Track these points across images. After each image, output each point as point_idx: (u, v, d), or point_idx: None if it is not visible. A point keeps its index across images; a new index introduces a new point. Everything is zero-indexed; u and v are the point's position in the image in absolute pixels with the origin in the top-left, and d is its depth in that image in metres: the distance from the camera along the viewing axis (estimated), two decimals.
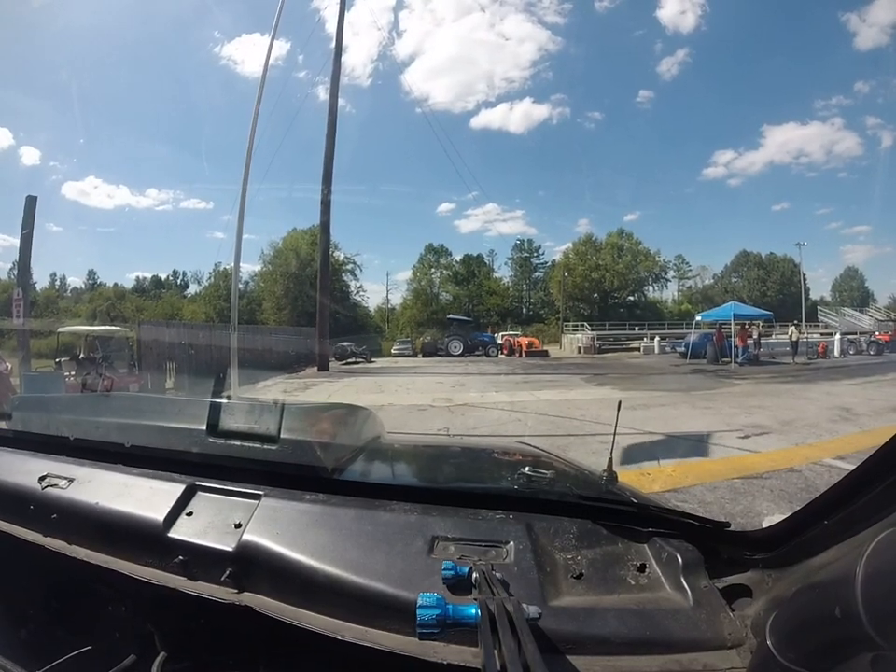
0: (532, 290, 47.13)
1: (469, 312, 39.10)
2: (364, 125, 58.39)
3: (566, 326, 34.04)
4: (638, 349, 25.40)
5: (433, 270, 45.60)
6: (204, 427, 0.96)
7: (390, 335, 38.24)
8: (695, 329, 19.50)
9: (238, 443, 0.95)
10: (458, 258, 45.64)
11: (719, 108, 58.57)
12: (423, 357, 25.63)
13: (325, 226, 17.67)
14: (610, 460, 1.00)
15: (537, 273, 46.81)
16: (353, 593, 0.66)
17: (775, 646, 0.50)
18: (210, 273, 42.52)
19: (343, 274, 42.16)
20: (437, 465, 1.37)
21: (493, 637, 0.47)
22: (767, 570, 0.68)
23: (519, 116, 57.15)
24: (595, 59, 57.53)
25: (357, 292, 43.89)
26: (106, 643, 0.86)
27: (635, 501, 0.85)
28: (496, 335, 28.92)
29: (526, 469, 0.95)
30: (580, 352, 26.31)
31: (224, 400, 1.06)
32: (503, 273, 47.00)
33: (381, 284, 48.62)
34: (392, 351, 28.39)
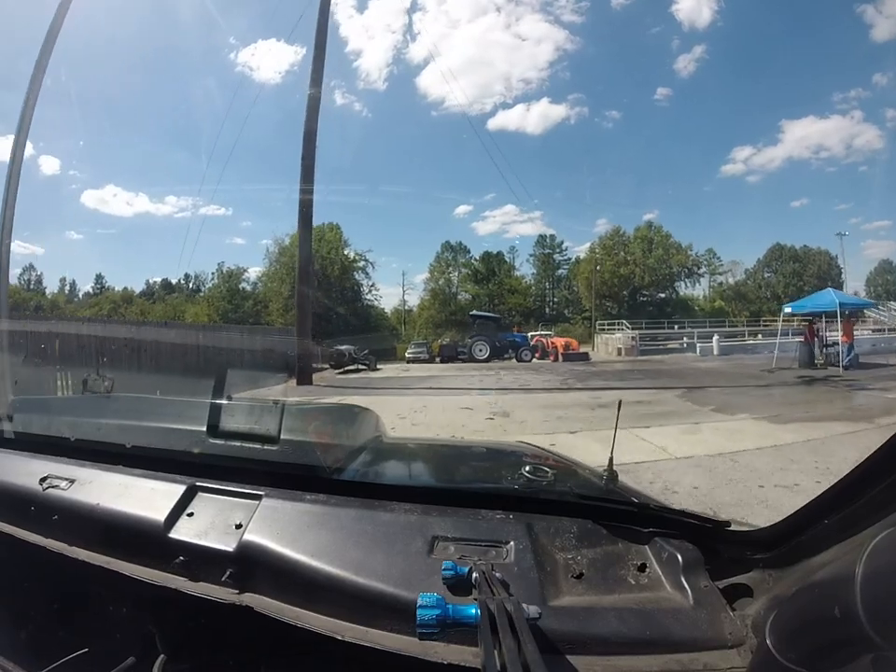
0: (555, 289, 44.23)
1: (490, 311, 35.90)
2: (380, 129, 57.25)
3: (597, 325, 30.76)
4: (681, 349, 22.17)
5: (451, 268, 42.98)
6: (205, 428, 0.96)
7: (407, 337, 35.33)
8: (783, 322, 16.27)
9: (238, 444, 0.95)
10: (478, 255, 43.08)
11: (736, 104, 57.59)
12: (441, 362, 21.80)
13: (306, 205, 15.44)
14: (611, 459, 0.96)
15: (560, 271, 44.05)
16: (353, 593, 0.66)
17: (775, 646, 0.49)
18: (213, 274, 40.58)
19: (355, 272, 39.54)
20: (437, 465, 1.36)
21: (493, 637, 0.47)
22: (768, 570, 0.67)
23: (536, 116, 55.72)
24: (611, 57, 56.33)
25: (370, 291, 41.22)
26: (107, 644, 0.85)
27: (635, 501, 0.85)
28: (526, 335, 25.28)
29: (526, 468, 0.94)
30: (619, 354, 22.95)
31: (224, 401, 1.03)
32: (524, 271, 44.68)
33: (398, 286, 46.18)
34: (406, 355, 25.04)
